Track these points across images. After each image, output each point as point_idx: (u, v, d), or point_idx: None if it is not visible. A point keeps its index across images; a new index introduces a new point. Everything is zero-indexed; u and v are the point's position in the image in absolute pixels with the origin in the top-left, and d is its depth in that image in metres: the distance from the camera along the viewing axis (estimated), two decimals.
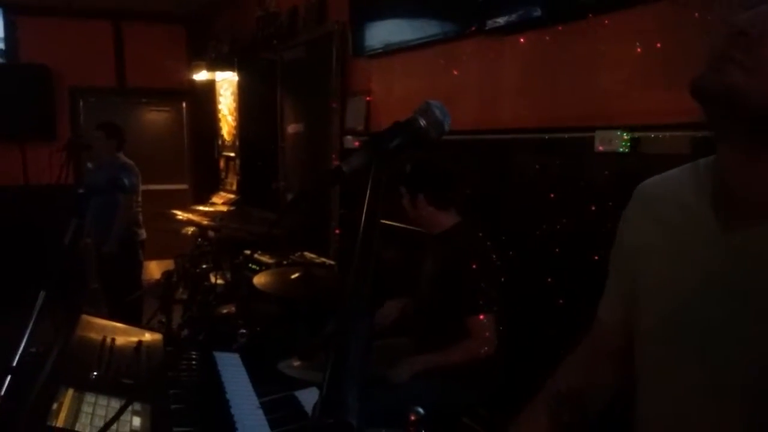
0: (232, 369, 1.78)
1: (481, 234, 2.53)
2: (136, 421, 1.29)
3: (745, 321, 0.84)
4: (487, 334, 2.35)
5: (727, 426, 0.88)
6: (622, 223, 1.08)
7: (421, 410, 1.40)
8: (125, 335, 1.70)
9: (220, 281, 3.96)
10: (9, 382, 1.41)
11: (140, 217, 4.80)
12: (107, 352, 1.54)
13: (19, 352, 1.49)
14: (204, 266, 3.83)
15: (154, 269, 6.35)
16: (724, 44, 0.79)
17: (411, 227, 2.84)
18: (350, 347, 0.52)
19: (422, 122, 0.88)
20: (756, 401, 0.84)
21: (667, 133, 2.03)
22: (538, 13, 2.42)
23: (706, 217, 0.88)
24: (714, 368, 0.88)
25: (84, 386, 1.33)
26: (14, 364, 1.47)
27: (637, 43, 2.11)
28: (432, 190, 2.53)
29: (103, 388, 1.35)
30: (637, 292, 1.02)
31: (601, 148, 2.23)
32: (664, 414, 0.99)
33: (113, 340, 1.61)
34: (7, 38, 6.25)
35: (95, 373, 1.41)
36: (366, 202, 0.74)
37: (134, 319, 3.88)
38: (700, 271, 0.89)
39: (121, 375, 1.43)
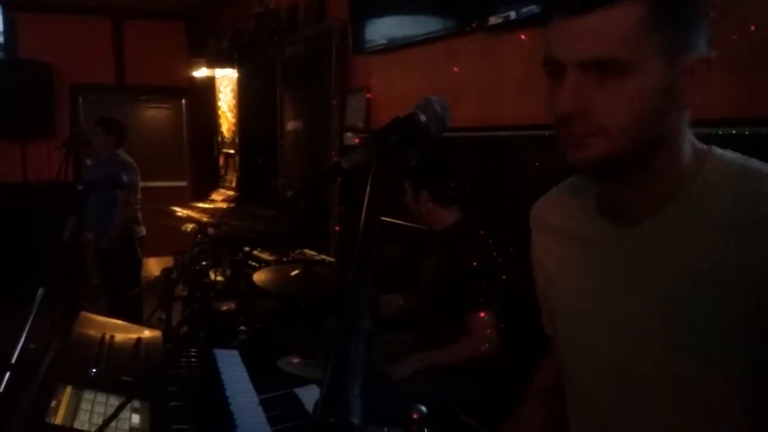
0: (231, 366, 1.77)
1: (482, 231, 2.53)
2: (135, 419, 1.28)
3: (640, 310, 0.90)
4: (488, 331, 2.35)
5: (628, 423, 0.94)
6: (531, 245, 1.18)
7: (423, 408, 1.40)
8: (124, 332, 1.69)
9: (219, 278, 3.96)
10: (7, 379, 1.41)
11: (139, 214, 4.79)
12: (106, 349, 1.54)
13: (18, 349, 1.49)
14: (204, 263, 3.82)
15: (154, 266, 6.34)
16: (566, 128, 0.88)
17: (412, 224, 2.83)
18: (351, 344, 0.51)
19: (423, 118, 0.87)
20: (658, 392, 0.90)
21: None
22: (539, 9, 2.41)
23: (596, 220, 0.98)
24: (627, 360, 0.93)
25: (83, 383, 1.32)
26: (13, 361, 1.46)
27: None
28: (435, 186, 2.53)
29: (102, 385, 1.35)
30: (550, 304, 1.11)
31: None
32: (576, 412, 1.07)
33: (112, 337, 1.61)
34: (7, 35, 6.23)
35: (94, 370, 1.40)
36: (366, 198, 0.73)
37: (134, 316, 3.88)
38: (595, 266, 0.98)
39: (120, 372, 1.42)
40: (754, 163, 0.88)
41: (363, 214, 0.69)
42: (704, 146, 0.91)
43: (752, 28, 1.74)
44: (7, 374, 1.41)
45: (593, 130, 0.86)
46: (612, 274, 0.95)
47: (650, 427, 0.93)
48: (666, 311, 0.88)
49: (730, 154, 0.90)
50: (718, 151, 0.91)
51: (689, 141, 0.91)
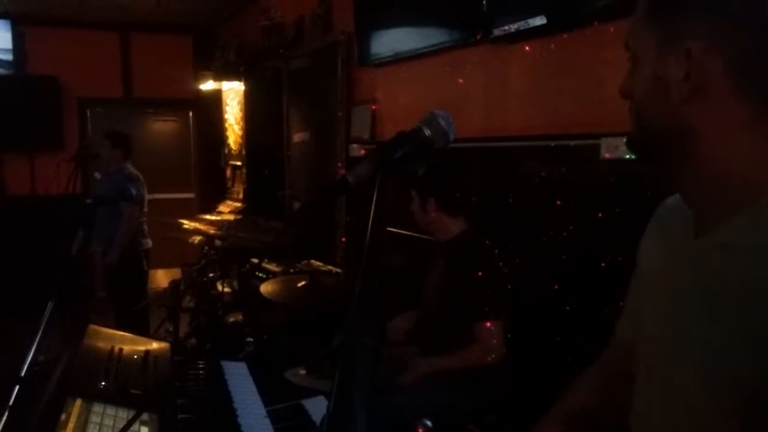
0: (239, 378, 1.78)
1: (488, 241, 2.53)
2: (144, 431, 1.29)
3: (701, 325, 0.84)
4: (494, 341, 2.35)
5: None
6: (641, 242, 1.08)
7: (429, 423, 1.40)
8: (133, 345, 1.70)
9: (227, 290, 3.97)
10: (17, 392, 1.42)
11: (145, 227, 4.81)
12: (115, 361, 1.55)
13: (27, 362, 1.50)
14: (211, 275, 3.84)
15: (161, 278, 6.37)
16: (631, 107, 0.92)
17: (418, 235, 2.84)
18: (357, 360, 0.52)
19: (427, 132, 0.89)
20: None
21: None
22: (543, 21, 2.42)
23: (688, 222, 0.91)
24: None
25: (92, 396, 1.33)
26: (22, 374, 1.47)
27: None
28: (443, 195, 2.53)
29: (110, 398, 1.35)
30: (641, 311, 1.02)
31: (607, 155, 2.23)
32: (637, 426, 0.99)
33: (121, 350, 1.62)
34: (16, 50, 6.30)
35: (103, 384, 1.41)
36: (372, 212, 0.74)
37: (141, 328, 3.89)
38: (676, 277, 0.91)
39: (128, 385, 1.43)
40: None
41: (368, 230, 0.70)
42: None
43: None
44: (17, 387, 1.42)
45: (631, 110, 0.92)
46: (665, 288, 0.92)
47: None
48: (682, 342, 0.85)
49: None
50: None
51: (751, 151, 0.81)
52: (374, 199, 0.76)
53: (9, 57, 6.28)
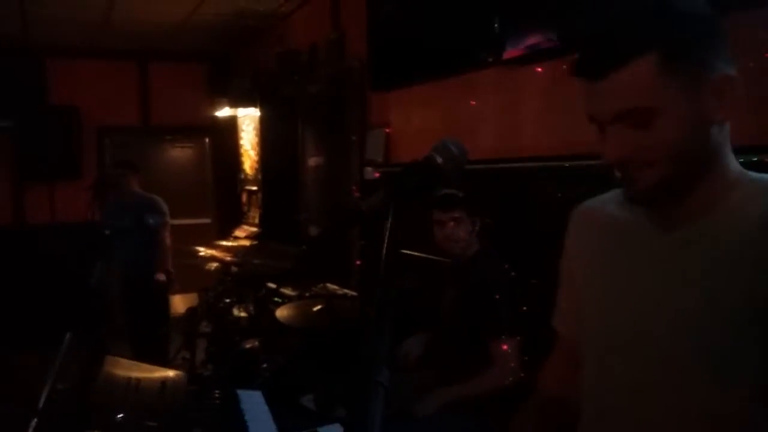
0: (255, 407, 1.77)
1: (504, 264, 2.52)
2: None
3: (681, 306, 0.96)
4: (512, 363, 2.33)
5: (654, 422, 0.98)
6: (566, 242, 1.21)
7: None
8: (149, 374, 1.70)
9: (243, 315, 3.97)
10: (35, 424, 1.42)
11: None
12: (132, 392, 1.55)
13: (45, 393, 1.50)
14: (227, 300, 3.84)
15: (179, 303, 6.38)
16: (618, 170, 0.98)
17: (432, 256, 2.83)
18: (370, 400, 0.51)
19: (439, 160, 0.89)
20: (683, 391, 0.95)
21: None
22: (553, 43, 2.42)
23: (643, 225, 1.03)
24: (650, 357, 0.99)
25: (110, 429, 1.33)
26: (40, 405, 1.48)
27: None
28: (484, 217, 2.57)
29: (128, 429, 1.35)
30: (583, 302, 1.14)
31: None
32: (599, 409, 1.08)
33: (138, 380, 1.62)
34: (37, 80, 6.40)
35: (120, 415, 1.41)
36: (385, 242, 0.74)
37: (160, 355, 3.90)
38: (643, 265, 1.02)
39: (145, 416, 1.43)
40: None
41: (382, 263, 0.69)
42: (743, 169, 1.01)
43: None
44: (35, 420, 1.42)
45: (641, 166, 0.95)
46: (660, 273, 1.00)
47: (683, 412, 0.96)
48: (708, 308, 0.93)
49: (765, 175, 1.00)
50: (754, 173, 1.00)
51: (733, 157, 1.00)
52: (388, 229, 0.76)
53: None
